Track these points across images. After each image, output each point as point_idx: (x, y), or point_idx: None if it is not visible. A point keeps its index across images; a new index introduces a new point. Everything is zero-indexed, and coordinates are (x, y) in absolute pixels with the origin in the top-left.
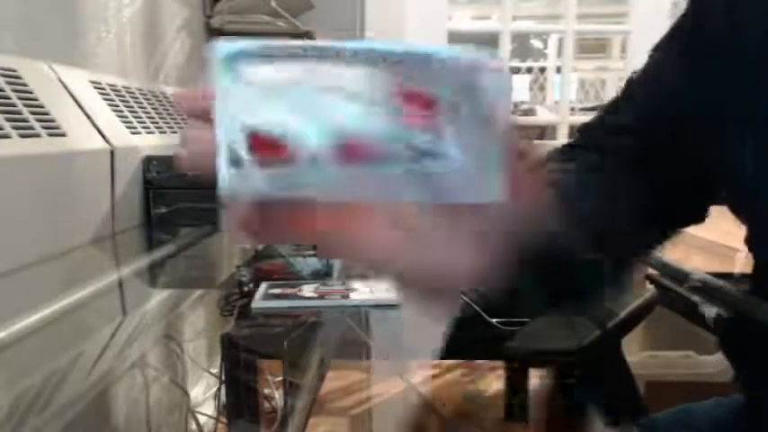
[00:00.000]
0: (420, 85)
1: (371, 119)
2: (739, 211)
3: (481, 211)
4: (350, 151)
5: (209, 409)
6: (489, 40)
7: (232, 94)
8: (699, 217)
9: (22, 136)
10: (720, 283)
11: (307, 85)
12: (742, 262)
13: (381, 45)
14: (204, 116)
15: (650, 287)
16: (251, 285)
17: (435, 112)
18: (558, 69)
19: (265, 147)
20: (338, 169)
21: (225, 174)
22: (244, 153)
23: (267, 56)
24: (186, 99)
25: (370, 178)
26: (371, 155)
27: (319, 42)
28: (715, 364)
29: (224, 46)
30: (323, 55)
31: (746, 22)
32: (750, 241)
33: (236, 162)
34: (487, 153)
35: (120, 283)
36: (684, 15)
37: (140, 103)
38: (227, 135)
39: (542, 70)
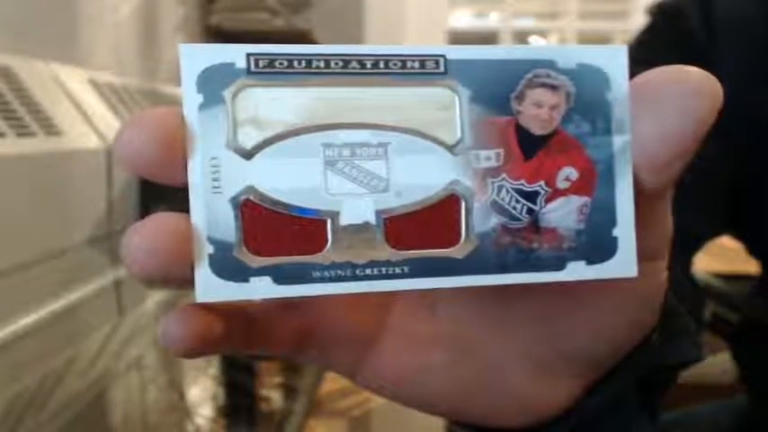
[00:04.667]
0: (507, 110)
1: (439, 169)
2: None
3: (606, 297)
4: (408, 226)
5: (206, 410)
6: (489, 39)
7: (213, 138)
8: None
9: (19, 135)
10: (721, 283)
11: (332, 118)
12: (743, 262)
13: (423, 48)
14: (175, 174)
15: None
16: None
17: (548, 148)
18: None
19: (270, 227)
20: (392, 254)
21: (204, 278)
22: (235, 241)
23: (266, 73)
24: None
25: (442, 260)
26: (447, 228)
27: (337, 48)
28: (718, 366)
29: (203, 52)
30: (348, 69)
31: None
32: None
33: (221, 258)
34: (617, 203)
35: (117, 283)
36: None
37: (138, 101)
38: (207, 211)
39: None
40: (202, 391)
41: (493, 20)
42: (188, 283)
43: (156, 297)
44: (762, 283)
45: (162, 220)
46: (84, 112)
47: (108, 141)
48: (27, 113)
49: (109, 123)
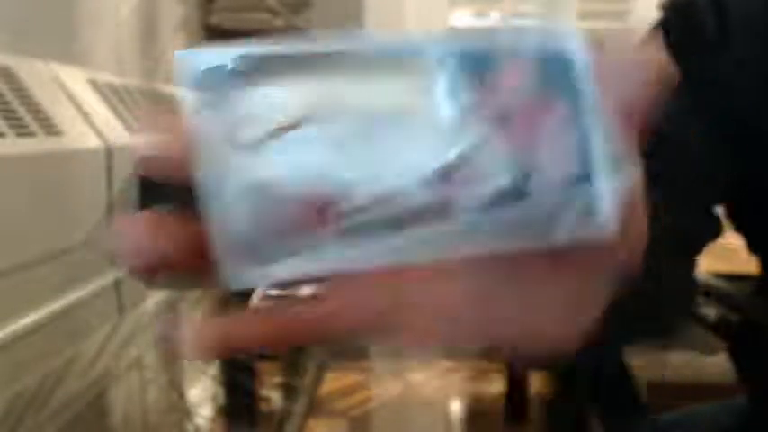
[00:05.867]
0: (494, 91)
1: (432, 149)
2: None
3: (588, 253)
4: (408, 204)
5: (206, 410)
6: None
7: (215, 137)
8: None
9: (19, 135)
10: (722, 283)
11: (330, 112)
12: (743, 262)
13: (407, 40)
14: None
15: None
16: None
17: (529, 119)
18: None
19: (280, 214)
20: (393, 235)
21: (234, 269)
22: (249, 231)
23: (263, 70)
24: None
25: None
26: (448, 205)
27: (333, 43)
28: (718, 366)
29: (198, 57)
30: (343, 64)
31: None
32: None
33: (240, 249)
34: (595, 164)
35: (117, 283)
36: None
37: (138, 101)
38: (218, 207)
39: None
40: (202, 391)
41: (493, 20)
42: (198, 281)
43: (156, 297)
44: (762, 283)
45: (150, 220)
46: (85, 112)
47: (108, 141)
48: (27, 113)
49: (109, 123)
